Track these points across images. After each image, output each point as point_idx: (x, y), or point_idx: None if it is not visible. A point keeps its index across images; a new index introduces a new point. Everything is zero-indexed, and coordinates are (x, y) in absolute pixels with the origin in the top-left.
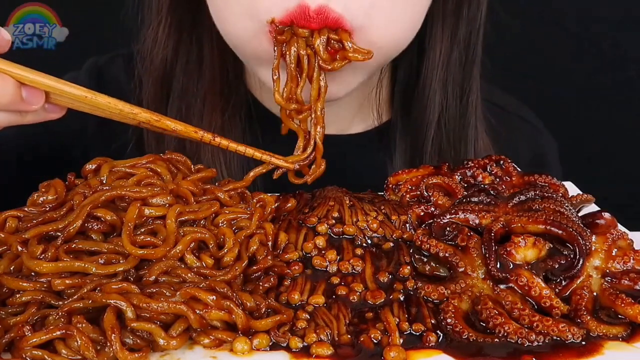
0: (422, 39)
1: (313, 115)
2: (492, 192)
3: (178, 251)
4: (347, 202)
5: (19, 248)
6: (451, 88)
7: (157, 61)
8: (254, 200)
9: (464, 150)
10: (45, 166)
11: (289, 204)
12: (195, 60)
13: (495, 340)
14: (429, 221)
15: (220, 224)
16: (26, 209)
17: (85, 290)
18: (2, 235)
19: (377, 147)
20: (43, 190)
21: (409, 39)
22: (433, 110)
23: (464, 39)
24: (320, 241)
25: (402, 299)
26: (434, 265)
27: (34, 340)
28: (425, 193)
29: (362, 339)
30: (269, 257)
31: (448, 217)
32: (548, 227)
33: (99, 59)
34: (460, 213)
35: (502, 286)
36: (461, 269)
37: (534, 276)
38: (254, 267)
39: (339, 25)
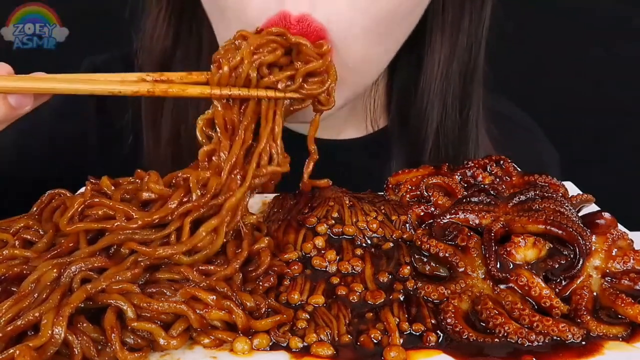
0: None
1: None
2: (492, 192)
3: None
4: (347, 202)
5: None
6: (450, 101)
7: (156, 51)
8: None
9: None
10: (45, 169)
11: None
12: (194, 51)
13: (495, 340)
14: (429, 221)
15: None
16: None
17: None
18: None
19: (372, 154)
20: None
21: (388, 60)
22: (431, 122)
23: (464, 52)
24: (320, 241)
25: (402, 299)
26: (434, 265)
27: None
28: (425, 193)
29: (362, 339)
30: (269, 257)
31: (448, 217)
32: (548, 227)
33: (95, 59)
34: (460, 213)
35: (502, 286)
36: (461, 269)
37: (534, 276)
38: (254, 267)
39: (320, 36)
